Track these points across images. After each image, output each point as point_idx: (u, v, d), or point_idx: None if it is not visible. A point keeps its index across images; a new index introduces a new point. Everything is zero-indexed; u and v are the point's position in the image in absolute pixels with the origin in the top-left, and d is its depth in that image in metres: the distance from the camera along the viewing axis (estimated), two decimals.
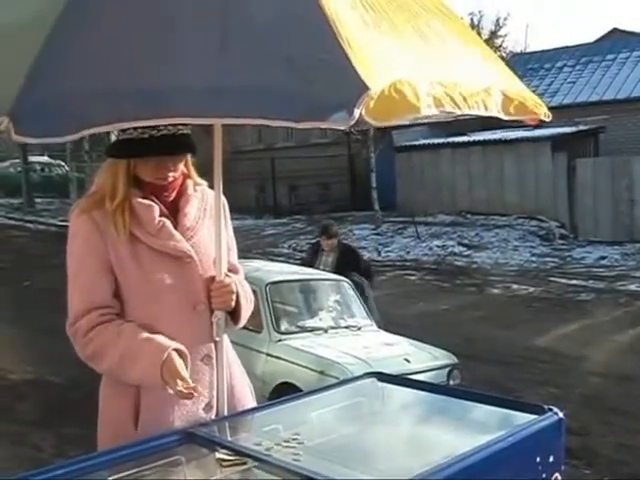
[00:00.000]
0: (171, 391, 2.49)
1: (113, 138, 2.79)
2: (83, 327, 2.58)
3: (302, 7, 2.12)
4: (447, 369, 7.20)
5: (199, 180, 2.87)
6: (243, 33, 2.09)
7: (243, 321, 2.87)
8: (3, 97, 2.04)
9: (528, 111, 2.54)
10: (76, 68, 2.09)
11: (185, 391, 2.47)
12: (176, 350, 2.53)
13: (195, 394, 2.49)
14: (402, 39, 2.27)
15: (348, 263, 8.89)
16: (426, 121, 2.14)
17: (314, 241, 8.88)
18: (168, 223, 2.68)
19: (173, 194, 2.76)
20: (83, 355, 2.62)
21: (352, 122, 1.94)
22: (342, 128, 2.01)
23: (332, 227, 9.39)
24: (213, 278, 2.72)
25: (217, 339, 2.73)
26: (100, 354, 2.58)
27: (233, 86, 2.01)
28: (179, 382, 2.47)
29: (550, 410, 2.61)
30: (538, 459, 2.47)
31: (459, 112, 2.24)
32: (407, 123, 2.08)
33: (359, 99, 1.93)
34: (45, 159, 33.75)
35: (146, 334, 2.57)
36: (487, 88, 2.38)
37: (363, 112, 1.94)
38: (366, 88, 1.94)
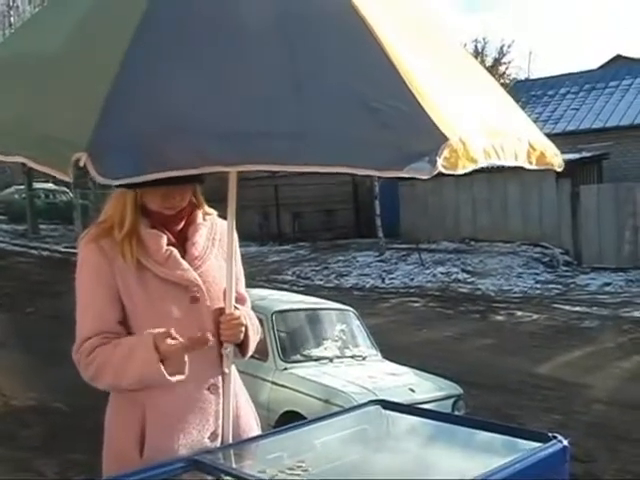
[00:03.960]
0: (173, 379, 2.50)
1: None
2: (86, 350, 2.60)
3: (368, 54, 2.12)
4: (452, 400, 7.18)
5: (209, 210, 2.88)
6: (314, 79, 2.09)
7: (250, 352, 2.88)
8: (79, 132, 1.95)
9: (546, 162, 2.57)
10: (154, 106, 2.02)
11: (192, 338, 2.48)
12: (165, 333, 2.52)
13: (210, 339, 2.50)
14: (454, 87, 2.29)
15: None
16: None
17: None
18: (176, 252, 2.69)
19: (181, 223, 2.77)
20: (86, 376, 2.63)
21: (435, 172, 1.94)
22: (425, 177, 1.98)
23: None
24: (221, 309, 2.72)
25: (226, 371, 2.73)
26: (101, 370, 2.58)
27: (314, 132, 1.99)
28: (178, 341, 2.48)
29: (554, 438, 2.60)
30: None
31: (498, 162, 2.24)
32: None
33: (439, 148, 1.94)
34: (50, 186, 33.72)
35: (137, 336, 2.59)
36: (519, 138, 2.41)
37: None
38: (445, 138, 1.95)
